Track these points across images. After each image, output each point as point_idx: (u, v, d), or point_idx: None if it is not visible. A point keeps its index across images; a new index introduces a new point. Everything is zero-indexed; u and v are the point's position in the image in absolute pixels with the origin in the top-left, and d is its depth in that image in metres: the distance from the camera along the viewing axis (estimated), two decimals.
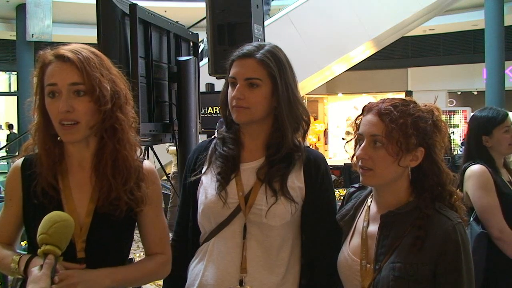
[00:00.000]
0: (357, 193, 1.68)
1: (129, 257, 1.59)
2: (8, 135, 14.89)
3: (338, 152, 15.89)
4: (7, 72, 17.37)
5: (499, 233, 2.37)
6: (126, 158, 1.46)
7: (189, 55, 2.83)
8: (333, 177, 9.30)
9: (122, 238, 1.52)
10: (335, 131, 17.29)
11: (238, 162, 1.63)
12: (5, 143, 14.02)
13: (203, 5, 3.08)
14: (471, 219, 2.45)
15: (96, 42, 2.18)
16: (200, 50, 7.67)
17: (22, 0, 12.72)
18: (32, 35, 12.15)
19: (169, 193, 7.01)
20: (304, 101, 2.12)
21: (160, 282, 1.79)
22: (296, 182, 1.61)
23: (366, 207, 1.59)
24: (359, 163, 1.50)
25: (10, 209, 1.50)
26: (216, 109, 4.15)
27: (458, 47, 15.85)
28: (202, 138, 2.79)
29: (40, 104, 1.43)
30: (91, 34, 2.83)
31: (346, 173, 9.60)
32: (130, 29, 2.28)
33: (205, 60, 4.84)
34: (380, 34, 8.44)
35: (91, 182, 1.48)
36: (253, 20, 2.84)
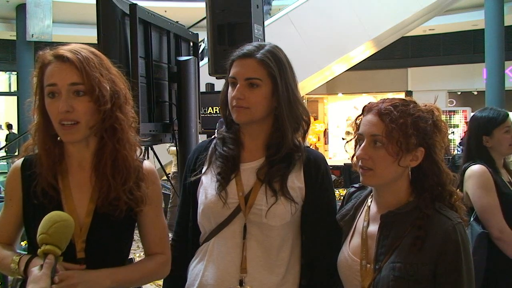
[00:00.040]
0: (357, 193, 1.68)
1: (129, 257, 1.59)
2: (7, 135, 14.89)
3: (338, 152, 15.90)
4: (7, 72, 17.38)
5: (499, 233, 2.37)
6: (125, 158, 1.46)
7: (189, 55, 2.83)
8: (333, 177, 9.30)
9: (122, 238, 1.52)
10: (335, 131, 17.30)
11: (238, 162, 1.63)
12: (4, 143, 14.03)
13: (203, 5, 3.08)
14: (472, 219, 2.45)
15: (96, 42, 2.18)
16: (200, 50, 7.68)
17: (22, 0, 12.73)
18: (32, 35, 12.16)
19: (169, 193, 7.01)
20: (304, 101, 2.12)
21: (160, 282, 1.79)
22: (296, 182, 1.61)
23: (366, 207, 1.59)
24: (359, 163, 1.50)
25: (10, 209, 1.50)
26: (216, 109, 4.15)
27: (458, 47, 15.85)
28: (202, 138, 2.79)
29: (39, 105, 1.43)
30: (91, 34, 2.83)
31: (346, 173, 9.60)
32: (130, 29, 2.28)
33: (205, 60, 4.84)
34: (380, 34, 8.45)
35: (91, 182, 1.48)
36: (253, 20, 2.84)
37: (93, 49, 1.46)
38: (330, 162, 6.30)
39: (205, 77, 3.37)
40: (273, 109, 1.61)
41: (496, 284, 2.40)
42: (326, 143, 17.61)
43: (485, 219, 2.42)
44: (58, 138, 1.47)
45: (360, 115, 1.56)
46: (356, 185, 1.70)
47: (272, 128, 1.64)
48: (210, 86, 4.81)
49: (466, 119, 12.43)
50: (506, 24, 11.41)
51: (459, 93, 16.59)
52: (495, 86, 11.10)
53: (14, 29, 13.99)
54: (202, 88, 3.93)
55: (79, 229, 1.42)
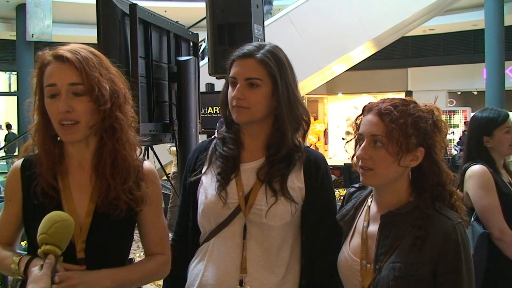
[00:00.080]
0: (357, 193, 1.68)
1: (129, 257, 1.59)
2: (6, 135, 14.89)
3: (338, 152, 15.92)
4: (7, 72, 17.39)
5: (499, 234, 2.37)
6: (125, 157, 1.46)
7: (189, 55, 2.83)
8: (333, 177, 9.30)
9: (122, 238, 1.52)
10: (335, 131, 17.32)
11: (238, 162, 1.63)
12: (4, 144, 14.03)
13: (203, 5, 3.08)
14: (472, 219, 2.45)
15: (96, 42, 2.18)
16: (201, 49, 7.68)
17: (22, 0, 12.74)
18: (32, 35, 12.17)
19: (169, 193, 7.01)
20: (304, 101, 2.11)
21: (160, 282, 1.79)
22: (296, 182, 1.61)
23: (366, 207, 1.59)
24: (359, 163, 1.50)
25: (10, 210, 1.50)
26: (216, 109, 4.15)
27: (458, 47, 15.87)
28: (202, 138, 2.78)
29: (39, 105, 1.43)
30: (91, 34, 2.83)
31: (346, 173, 9.61)
32: (130, 29, 2.28)
33: (205, 60, 4.84)
34: (380, 34, 8.46)
35: (91, 182, 1.47)
36: (253, 20, 2.83)
37: (92, 49, 1.46)
38: (330, 162, 6.30)
39: (205, 77, 3.37)
40: (273, 109, 1.61)
41: (496, 284, 2.40)
42: (326, 143, 17.62)
43: (485, 219, 2.41)
44: (58, 138, 1.47)
45: (360, 115, 1.56)
46: (356, 185, 1.70)
47: (272, 128, 1.64)
48: (210, 86, 4.81)
49: (466, 119, 12.44)
50: (506, 24, 11.42)
51: (459, 93, 16.60)
52: (495, 86, 11.12)
53: (14, 29, 14.00)
54: (202, 88, 3.93)
55: (79, 229, 1.42)
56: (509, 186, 2.52)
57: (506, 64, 11.81)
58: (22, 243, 2.20)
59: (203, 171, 1.67)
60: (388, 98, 1.53)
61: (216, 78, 2.93)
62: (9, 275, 1.48)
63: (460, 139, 11.88)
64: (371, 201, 1.58)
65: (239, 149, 1.65)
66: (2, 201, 1.54)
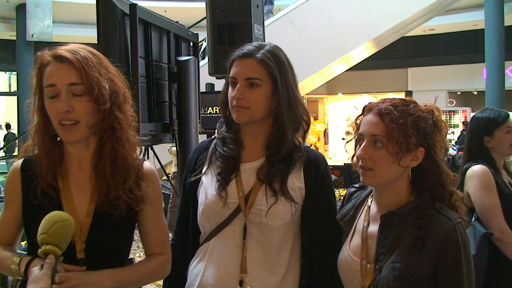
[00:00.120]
0: (357, 193, 1.68)
1: (129, 257, 1.59)
2: (5, 135, 14.88)
3: (338, 152, 15.92)
4: (7, 72, 17.40)
5: (500, 234, 2.37)
6: (125, 157, 1.46)
7: (189, 55, 2.83)
8: (333, 177, 9.31)
9: (122, 238, 1.52)
10: (335, 131, 17.32)
11: (238, 162, 1.63)
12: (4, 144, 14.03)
13: (203, 5, 3.08)
14: (473, 219, 2.44)
15: (96, 42, 2.18)
16: (201, 49, 7.68)
17: (22, 0, 12.74)
18: (32, 35, 12.17)
19: (169, 193, 7.01)
20: (304, 101, 2.11)
21: (160, 282, 1.79)
22: (296, 182, 1.61)
23: (366, 207, 1.59)
24: (359, 163, 1.50)
25: (10, 210, 1.50)
26: (216, 109, 4.15)
27: (458, 47, 15.87)
28: (202, 138, 2.78)
29: (39, 105, 1.43)
30: (91, 34, 2.83)
31: (346, 173, 9.62)
32: (130, 29, 2.27)
33: (205, 60, 4.84)
34: (380, 34, 8.46)
35: (91, 182, 1.47)
36: (253, 20, 2.83)
37: (92, 49, 1.46)
38: (330, 162, 6.31)
39: (205, 77, 3.36)
40: (273, 109, 1.61)
41: (496, 285, 2.40)
42: (326, 143, 17.63)
43: (486, 220, 2.41)
44: (58, 139, 1.47)
45: (360, 115, 1.56)
46: (356, 185, 1.70)
47: (272, 128, 1.64)
48: (210, 86, 4.81)
49: (466, 119, 12.45)
50: (506, 24, 11.43)
51: (459, 93, 16.60)
52: (495, 86, 11.12)
53: (14, 29, 14.00)
54: (202, 88, 3.93)
55: (79, 229, 1.42)
56: (510, 187, 2.52)
57: (506, 64, 11.82)
58: (22, 243, 2.20)
59: (203, 171, 1.67)
60: (388, 98, 1.53)
61: (216, 78, 2.93)
62: (9, 275, 1.48)
63: (458, 138, 11.89)
64: (371, 201, 1.58)
65: (239, 149, 1.65)
66: (2, 201, 1.54)
